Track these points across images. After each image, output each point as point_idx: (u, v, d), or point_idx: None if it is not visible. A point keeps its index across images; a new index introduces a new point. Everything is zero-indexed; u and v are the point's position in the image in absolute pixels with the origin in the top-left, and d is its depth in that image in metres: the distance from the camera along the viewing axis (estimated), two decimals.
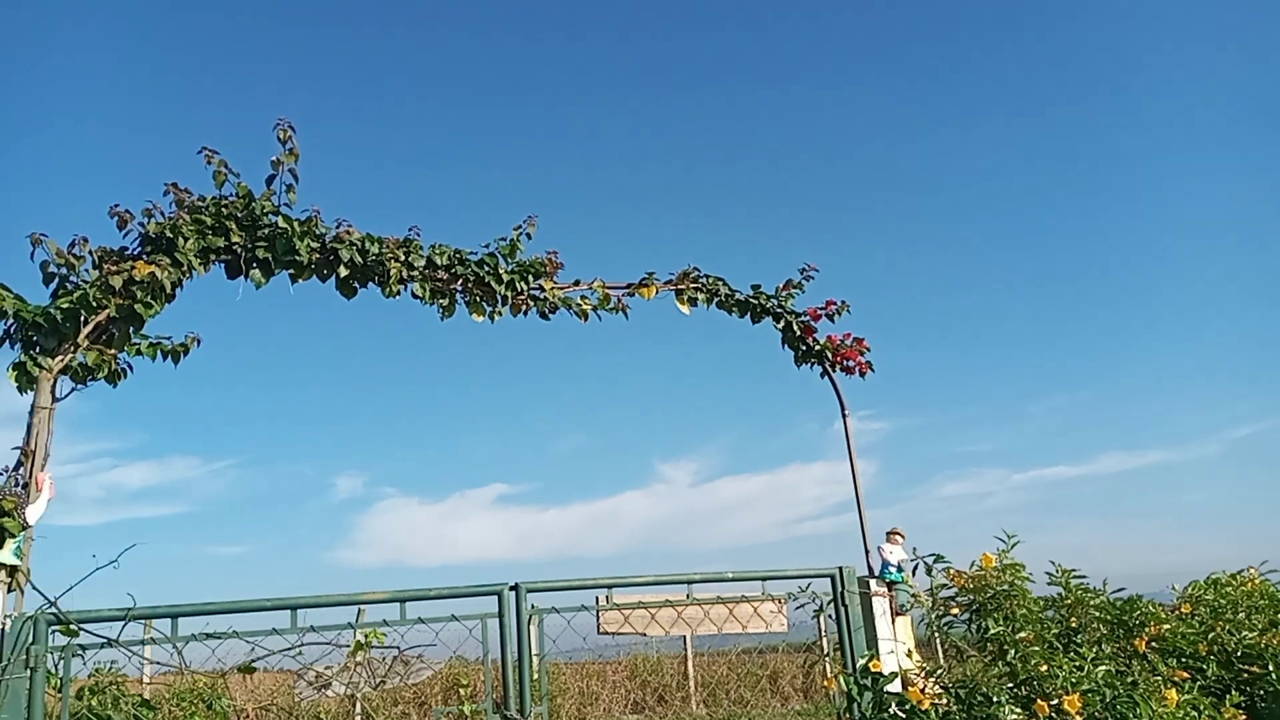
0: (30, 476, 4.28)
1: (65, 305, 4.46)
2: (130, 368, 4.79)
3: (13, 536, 4.10)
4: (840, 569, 5.68)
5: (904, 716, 4.71)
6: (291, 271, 5.02)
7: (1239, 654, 4.99)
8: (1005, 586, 5.05)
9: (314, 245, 5.01)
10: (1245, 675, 4.88)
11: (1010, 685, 4.83)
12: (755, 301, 6.17)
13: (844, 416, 6.16)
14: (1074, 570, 5.24)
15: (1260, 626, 5.08)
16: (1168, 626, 5.04)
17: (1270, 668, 4.83)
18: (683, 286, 6.03)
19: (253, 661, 4.49)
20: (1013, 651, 4.82)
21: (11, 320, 4.48)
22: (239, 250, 4.88)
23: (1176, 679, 4.48)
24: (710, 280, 6.07)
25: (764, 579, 5.50)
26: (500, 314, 5.59)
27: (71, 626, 4.22)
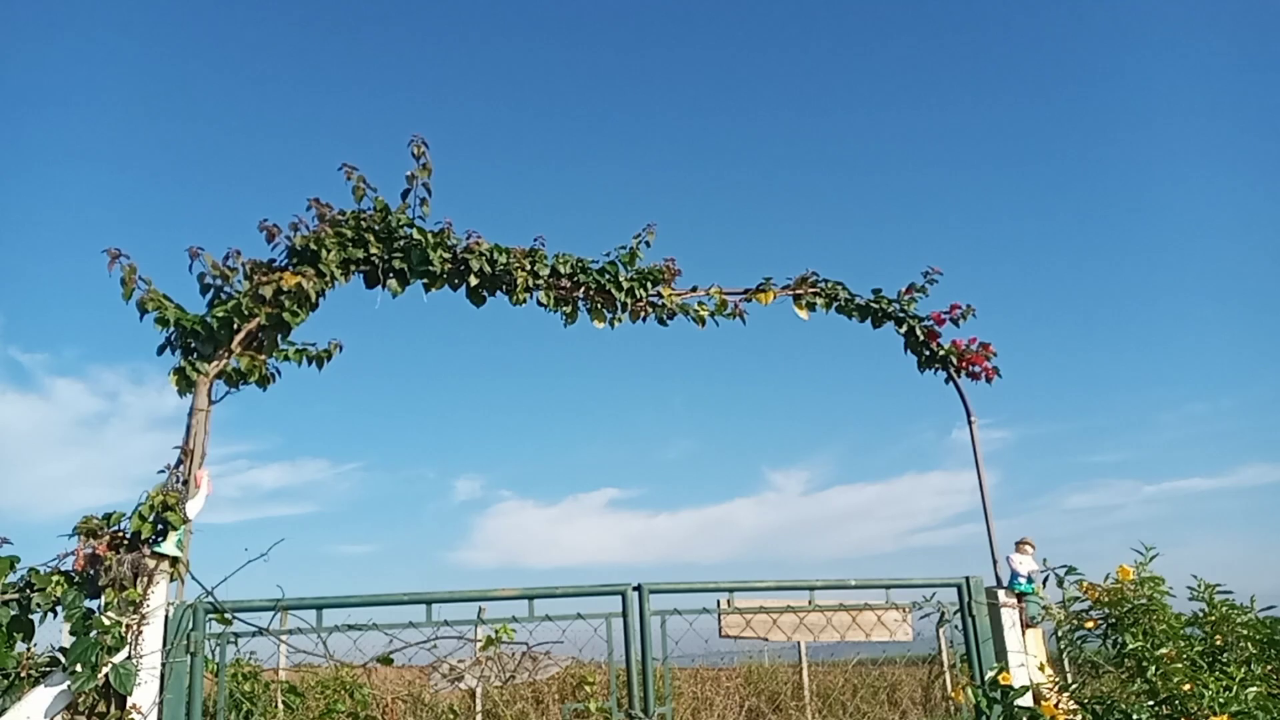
0: (189, 474, 4.57)
1: (220, 314, 4.76)
2: (279, 372, 5.09)
3: (175, 529, 4.38)
4: (967, 579, 5.55)
5: None
6: (425, 281, 5.23)
7: None
8: (1144, 600, 4.84)
9: (446, 256, 5.20)
10: None
11: (1150, 704, 4.64)
12: (876, 306, 6.07)
13: (970, 423, 6.00)
14: (1217, 585, 4.98)
15: None
16: None
17: None
18: (801, 291, 5.99)
19: (391, 653, 4.69)
20: (1153, 668, 4.62)
21: (173, 328, 4.80)
22: (377, 261, 5.12)
23: None
24: (829, 285, 6.01)
25: (888, 587, 5.44)
26: (620, 320, 5.69)
27: (226, 615, 4.51)
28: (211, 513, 4.56)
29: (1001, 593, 5.58)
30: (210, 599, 4.44)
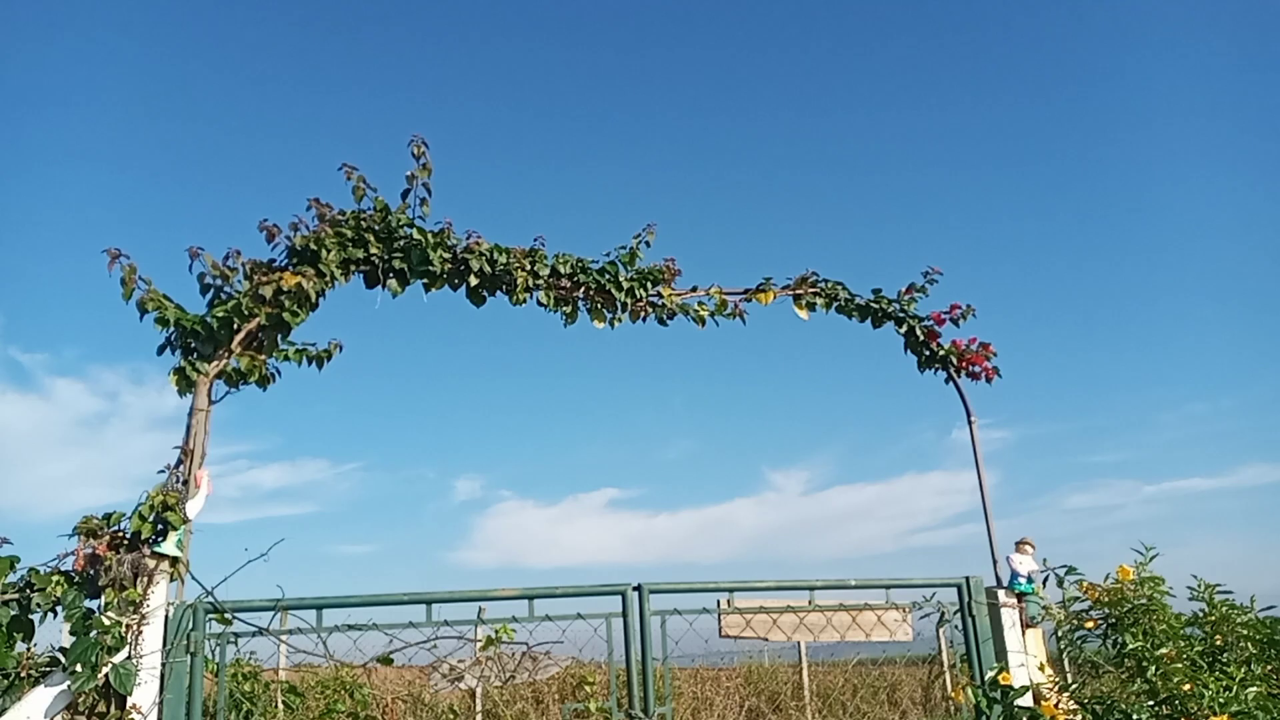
0: (190, 474, 4.57)
1: (220, 314, 4.76)
2: (279, 373, 5.09)
3: (175, 529, 4.38)
4: (967, 579, 5.56)
5: None
6: (425, 281, 5.23)
7: None
8: (1144, 600, 4.85)
9: (446, 256, 5.20)
10: None
11: (1150, 704, 4.64)
12: (876, 306, 6.07)
13: (970, 423, 6.00)
14: (1217, 585, 4.99)
15: None
16: None
17: None
18: (801, 291, 5.99)
19: (391, 653, 4.69)
20: (1153, 668, 4.63)
21: (173, 328, 4.79)
22: (377, 261, 5.12)
23: None
24: (829, 285, 6.01)
25: (888, 587, 5.44)
26: (620, 320, 5.69)
27: (226, 615, 4.51)
28: (211, 513, 4.57)
29: (1001, 593, 5.58)
30: (210, 599, 4.45)
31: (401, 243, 5.15)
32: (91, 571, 4.23)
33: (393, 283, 5.16)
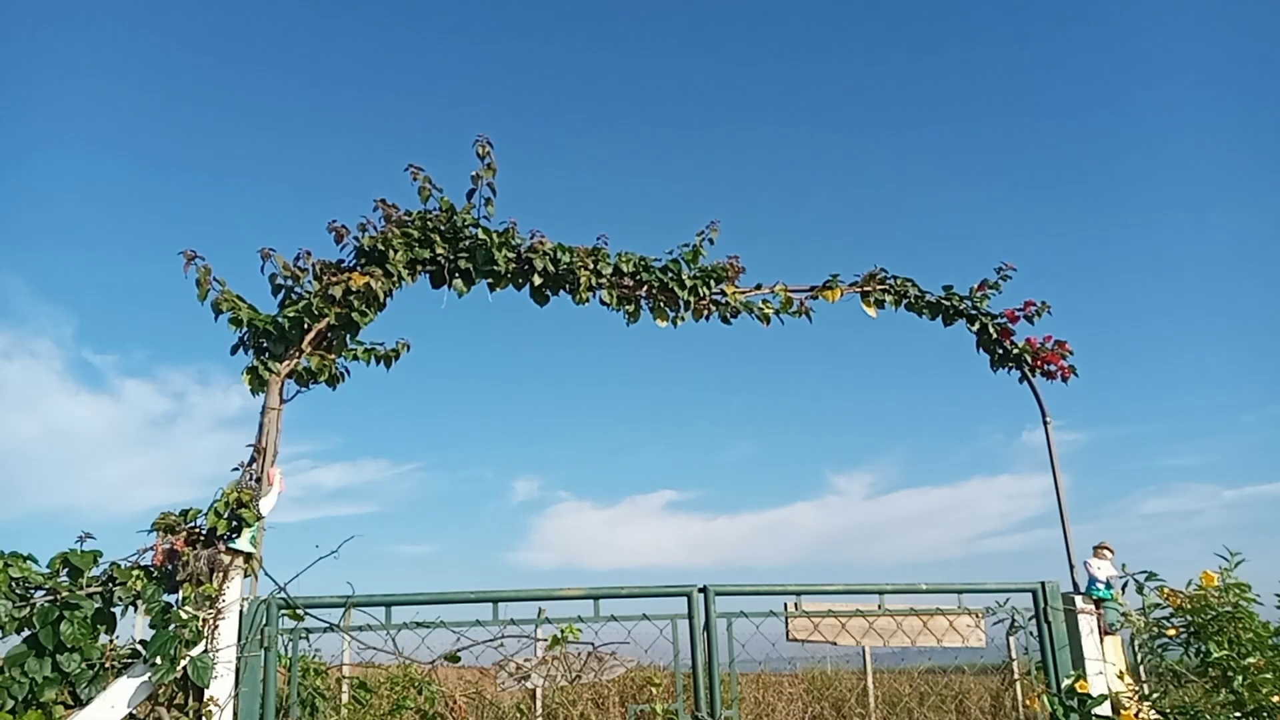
0: (262, 471, 4.65)
1: (291, 314, 4.84)
2: (348, 372, 5.16)
3: (249, 526, 4.46)
4: (1043, 584, 5.39)
5: None
6: (490, 281, 5.25)
7: None
8: (1228, 607, 4.65)
9: (510, 256, 5.22)
10: None
11: (1237, 715, 4.47)
12: (948, 303, 5.91)
13: (1045, 424, 5.82)
14: None
15: None
16: None
17: None
18: (869, 288, 5.87)
19: (457, 651, 4.71)
20: (1240, 678, 4.46)
21: (245, 329, 4.89)
22: (443, 261, 5.16)
23: None
24: (899, 281, 5.88)
25: (960, 592, 5.30)
26: (683, 319, 5.64)
27: (298, 611, 4.57)
28: (275, 512, 4.65)
29: (1079, 599, 5.40)
30: (283, 595, 4.51)
31: (467, 243, 5.18)
32: (170, 566, 4.34)
33: (458, 282, 5.20)
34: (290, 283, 4.96)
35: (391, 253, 5.01)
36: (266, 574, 4.58)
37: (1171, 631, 4.83)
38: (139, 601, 4.28)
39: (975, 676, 12.19)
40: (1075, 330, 6.11)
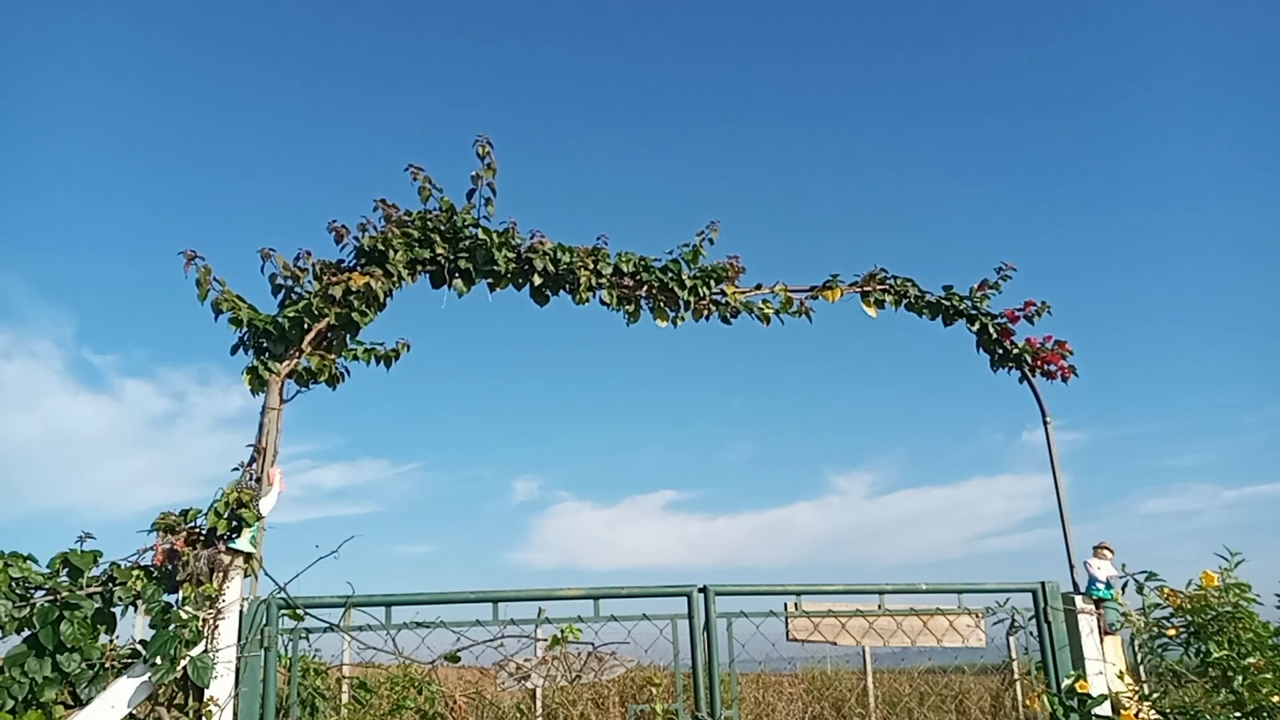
0: (262, 471, 4.65)
1: (291, 314, 4.83)
2: (348, 372, 5.16)
3: (249, 526, 4.45)
4: (1043, 584, 5.39)
5: None
6: (490, 281, 5.25)
7: None
8: (1229, 607, 4.65)
9: (510, 256, 5.21)
10: None
11: (1237, 715, 4.47)
12: (948, 303, 5.91)
13: (1045, 424, 5.82)
14: None
15: None
16: None
17: None
18: (869, 288, 5.87)
19: (458, 651, 4.70)
20: (1240, 678, 4.46)
21: (245, 329, 4.89)
22: (443, 261, 5.16)
23: None
24: (899, 281, 5.88)
25: (960, 592, 5.30)
26: (683, 319, 5.63)
27: (298, 611, 4.57)
28: (275, 512, 4.65)
29: (1079, 598, 5.40)
30: (283, 595, 4.51)
31: (467, 243, 5.17)
32: (170, 566, 4.33)
33: (458, 282, 5.20)
34: (290, 283, 4.96)
35: (391, 253, 5.00)
36: (266, 574, 4.58)
37: (1171, 631, 4.83)
38: (139, 601, 4.28)
39: (975, 676, 12.18)
40: (1075, 330, 6.11)
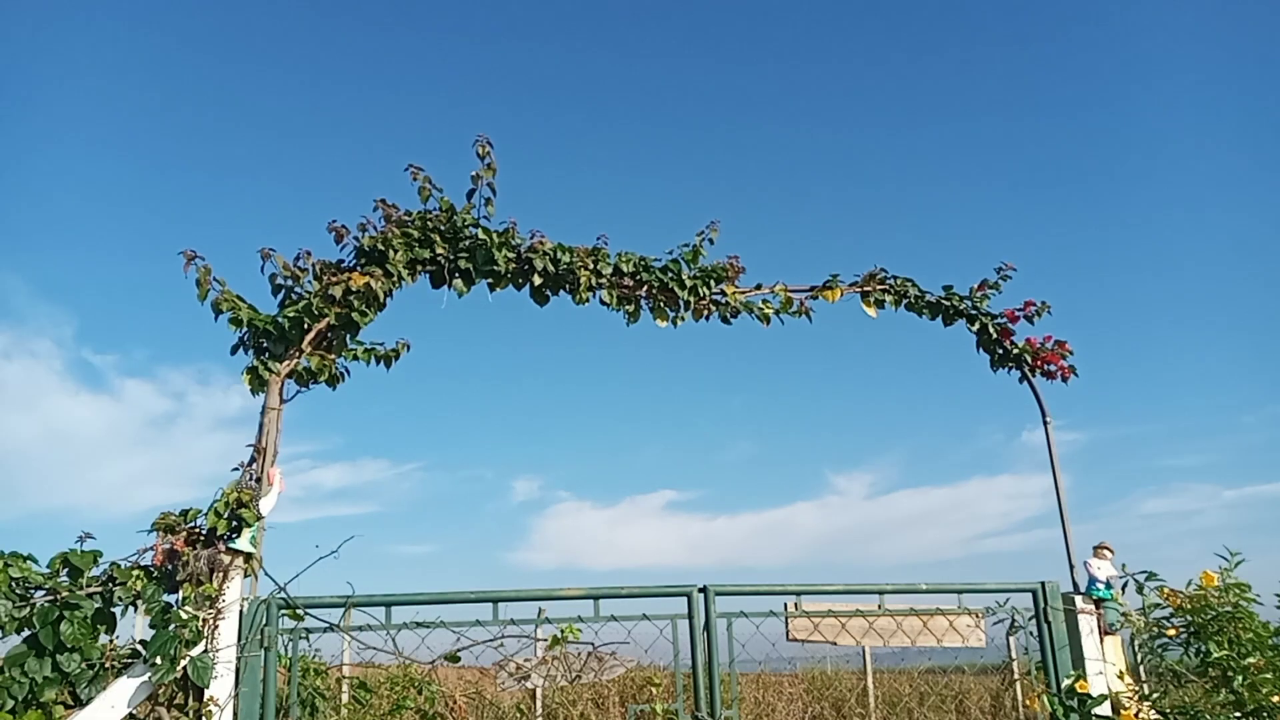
0: (262, 471, 4.65)
1: (291, 314, 4.83)
2: (348, 372, 5.16)
3: (249, 526, 4.45)
4: (1043, 584, 5.39)
5: None
6: (490, 281, 5.25)
7: None
8: (1228, 607, 4.65)
9: (510, 256, 5.21)
10: None
11: (1237, 715, 4.47)
12: (948, 303, 5.91)
13: (1045, 424, 5.82)
14: None
15: None
16: None
17: None
18: (869, 288, 5.86)
19: (458, 651, 4.70)
20: (1239, 678, 4.46)
21: (245, 329, 4.89)
22: (443, 261, 5.15)
23: None
24: (899, 281, 5.88)
25: (960, 591, 5.30)
26: (683, 319, 5.63)
27: (298, 611, 4.57)
28: (275, 512, 4.65)
29: (1079, 599, 5.40)
30: (283, 595, 4.51)
31: (467, 243, 5.17)
32: (170, 566, 4.33)
33: (458, 282, 5.19)
34: (290, 283, 4.96)
35: (391, 253, 5.00)
36: (266, 574, 4.58)
37: (1171, 631, 4.83)
38: (139, 601, 4.28)
39: (975, 676, 12.18)
40: (1075, 330, 6.11)
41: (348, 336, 5.06)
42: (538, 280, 5.27)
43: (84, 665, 4.09)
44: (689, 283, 5.55)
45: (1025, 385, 5.98)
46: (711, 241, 5.65)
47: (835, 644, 5.11)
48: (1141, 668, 5.87)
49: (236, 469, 4.63)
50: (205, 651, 4.21)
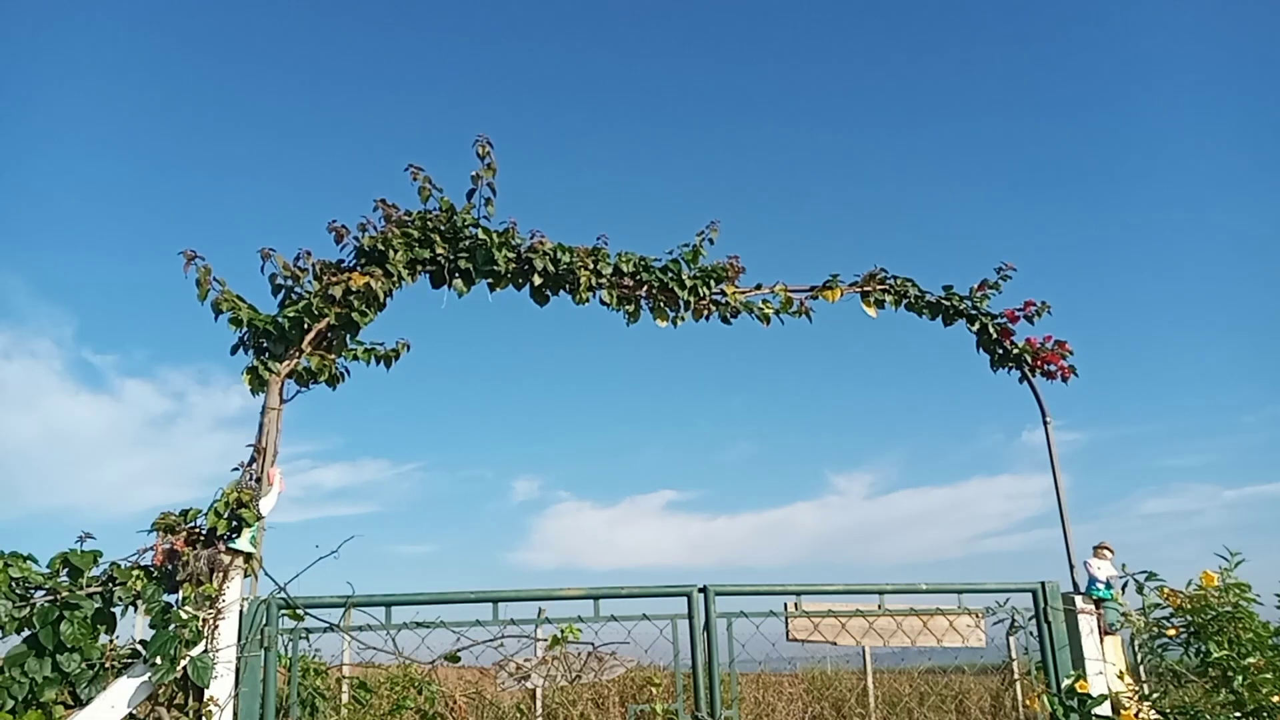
0: (262, 471, 4.65)
1: (291, 314, 4.83)
2: (348, 372, 5.16)
3: (249, 526, 4.45)
4: (1043, 584, 5.39)
5: None
6: (490, 281, 5.25)
7: None
8: (1229, 607, 4.65)
9: (510, 256, 5.21)
10: None
11: (1237, 715, 4.47)
12: (948, 303, 5.91)
13: (1045, 424, 5.81)
14: None
15: None
16: None
17: None
18: (869, 288, 5.86)
19: (457, 651, 4.70)
20: (1240, 678, 4.46)
21: (245, 329, 4.89)
22: (443, 261, 5.15)
23: None
24: (899, 281, 5.87)
25: (960, 591, 5.30)
26: (683, 319, 5.63)
27: (298, 611, 4.57)
28: (275, 512, 4.65)
29: (1079, 599, 5.40)
30: (283, 595, 4.51)
31: (467, 243, 5.17)
32: (170, 566, 4.33)
33: (458, 282, 5.19)
34: (290, 283, 4.96)
35: (391, 253, 5.00)
36: (266, 574, 4.58)
37: (1171, 631, 4.83)
38: (139, 601, 4.28)
39: (975, 676, 12.18)
40: (1075, 330, 6.11)
41: (348, 336, 5.06)
42: (538, 280, 5.27)
43: (84, 665, 4.09)
44: (689, 283, 5.55)
45: (1025, 385, 5.98)
46: (711, 241, 5.65)
47: (835, 644, 5.11)
48: (1141, 668, 5.87)
49: (236, 469, 4.63)
50: (205, 651, 4.21)
